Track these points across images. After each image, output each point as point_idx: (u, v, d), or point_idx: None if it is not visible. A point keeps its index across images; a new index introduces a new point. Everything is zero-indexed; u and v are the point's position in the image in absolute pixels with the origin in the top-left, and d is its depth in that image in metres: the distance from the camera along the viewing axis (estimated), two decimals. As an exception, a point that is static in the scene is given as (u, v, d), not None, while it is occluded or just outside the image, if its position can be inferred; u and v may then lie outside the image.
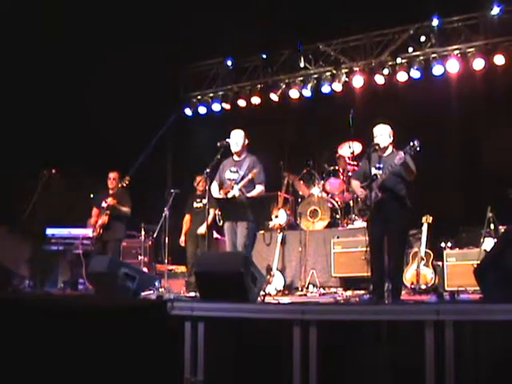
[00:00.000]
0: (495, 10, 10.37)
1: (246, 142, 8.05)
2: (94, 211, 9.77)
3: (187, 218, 10.34)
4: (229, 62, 12.68)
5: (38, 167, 9.69)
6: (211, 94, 13.01)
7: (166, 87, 12.48)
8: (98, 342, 6.07)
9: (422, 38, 11.05)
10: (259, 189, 7.81)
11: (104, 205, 9.51)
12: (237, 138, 7.99)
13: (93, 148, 11.18)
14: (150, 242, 11.09)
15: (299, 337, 5.38)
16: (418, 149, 6.73)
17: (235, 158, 8.06)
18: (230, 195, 7.76)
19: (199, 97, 13.11)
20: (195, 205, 10.11)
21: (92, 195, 10.20)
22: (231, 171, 7.93)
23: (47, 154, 10.60)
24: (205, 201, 8.66)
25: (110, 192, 9.63)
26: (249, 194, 7.69)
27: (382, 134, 7.18)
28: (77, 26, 10.57)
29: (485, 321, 4.90)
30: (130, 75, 11.17)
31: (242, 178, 7.78)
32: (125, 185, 9.45)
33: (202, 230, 9.63)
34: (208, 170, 7.84)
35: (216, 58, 12.84)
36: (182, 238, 10.27)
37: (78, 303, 6.77)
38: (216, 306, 5.91)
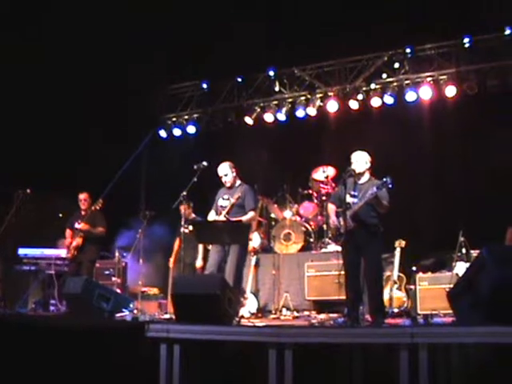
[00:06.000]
0: (465, 40, 10.63)
1: (234, 172, 8.10)
2: (68, 232, 9.69)
3: (177, 241, 10.32)
4: (204, 85, 12.72)
5: (10, 188, 9.63)
6: (186, 117, 13.01)
7: (140, 109, 12.47)
8: (74, 363, 6.04)
9: (396, 65, 11.22)
10: (250, 215, 7.87)
11: (77, 226, 9.45)
12: (225, 171, 8.05)
13: (65, 169, 11.12)
14: (123, 264, 11.01)
15: (275, 359, 5.41)
16: (389, 186, 6.83)
17: (228, 186, 8.12)
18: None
19: (174, 119, 13.11)
20: (182, 230, 10.08)
21: (61, 215, 10.12)
22: (223, 199, 8.00)
23: (19, 175, 10.53)
24: (191, 227, 8.66)
25: (83, 213, 9.58)
26: (236, 218, 7.72)
27: (358, 161, 7.33)
28: (55, 47, 10.55)
29: (458, 343, 4.98)
30: (105, 96, 11.18)
31: (232, 206, 7.84)
32: (98, 207, 9.41)
33: (199, 263, 9.63)
34: (184, 193, 7.92)
35: (191, 80, 12.88)
36: (171, 259, 10.24)
37: (53, 324, 6.73)
38: (192, 328, 5.92)
